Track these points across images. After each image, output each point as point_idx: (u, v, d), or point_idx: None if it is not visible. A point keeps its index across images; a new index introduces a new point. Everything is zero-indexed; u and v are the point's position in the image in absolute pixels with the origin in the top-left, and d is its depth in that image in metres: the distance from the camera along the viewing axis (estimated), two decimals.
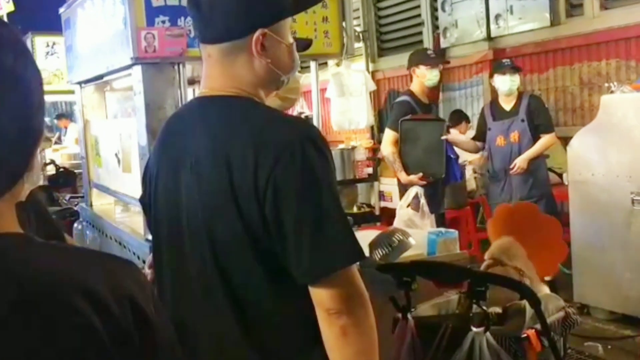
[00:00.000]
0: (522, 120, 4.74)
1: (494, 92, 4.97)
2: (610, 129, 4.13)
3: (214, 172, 1.35)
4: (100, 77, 3.95)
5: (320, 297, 1.26)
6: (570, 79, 6.31)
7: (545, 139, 4.75)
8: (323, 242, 1.25)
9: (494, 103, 4.95)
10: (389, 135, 4.76)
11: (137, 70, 3.15)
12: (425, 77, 4.71)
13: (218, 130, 1.38)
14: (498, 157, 4.87)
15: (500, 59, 7.01)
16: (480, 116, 5.04)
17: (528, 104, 4.77)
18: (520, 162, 4.69)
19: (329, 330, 1.27)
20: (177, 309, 1.48)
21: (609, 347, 3.88)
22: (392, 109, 5.25)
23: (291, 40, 1.46)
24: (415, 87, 4.82)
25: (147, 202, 1.59)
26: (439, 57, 5.37)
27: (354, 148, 5.90)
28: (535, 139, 4.75)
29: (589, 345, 3.84)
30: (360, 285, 1.29)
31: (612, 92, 4.20)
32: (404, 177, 4.63)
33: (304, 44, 2.37)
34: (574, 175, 4.40)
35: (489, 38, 7.08)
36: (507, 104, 4.84)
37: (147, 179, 1.58)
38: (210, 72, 1.46)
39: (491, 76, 4.92)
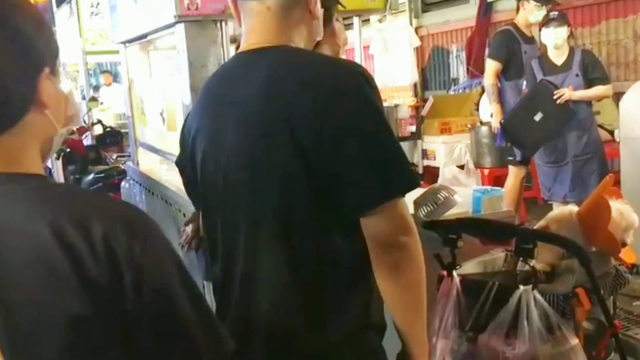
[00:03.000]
0: (577, 75, 4.54)
1: (543, 47, 4.77)
2: None
3: (269, 114, 1.34)
4: (144, 36, 3.97)
5: (374, 228, 1.29)
6: (624, 31, 6.06)
7: (603, 88, 4.56)
8: (380, 172, 1.28)
9: (543, 58, 4.72)
10: (490, 65, 4.99)
11: (180, 28, 3.15)
12: (532, 13, 4.84)
13: (271, 76, 1.37)
14: None
15: (551, 11, 6.80)
16: (529, 73, 4.77)
17: (582, 58, 4.57)
18: (567, 94, 4.44)
19: (382, 262, 1.31)
20: (227, 261, 1.48)
21: None
22: (494, 38, 5.29)
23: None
24: (520, 19, 4.96)
25: (186, 164, 1.59)
26: None
27: (397, 106, 5.84)
28: None
29: (637, 305, 3.78)
30: (410, 217, 1.32)
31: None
32: (496, 111, 4.86)
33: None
34: (626, 132, 4.25)
35: None
36: (557, 59, 4.63)
37: (186, 141, 1.57)
38: (259, 27, 1.43)
39: (540, 29, 4.72)
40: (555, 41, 4.55)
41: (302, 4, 1.43)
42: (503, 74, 5.08)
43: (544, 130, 4.59)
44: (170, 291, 0.87)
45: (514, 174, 5.10)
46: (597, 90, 4.55)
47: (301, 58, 1.41)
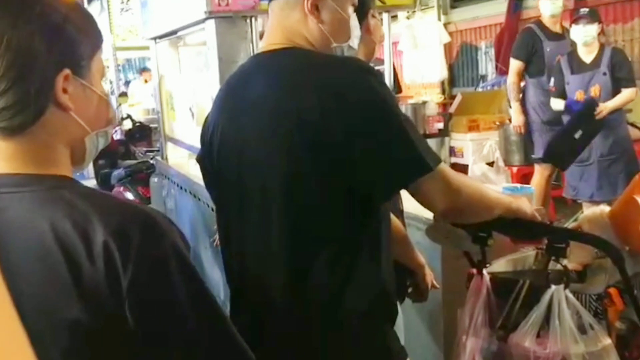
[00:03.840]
0: (604, 74, 4.48)
1: (573, 43, 4.71)
2: None
3: (280, 115, 1.39)
4: (174, 32, 4.01)
5: (424, 199, 1.42)
6: None
7: (627, 93, 4.50)
8: (407, 152, 1.34)
9: (572, 55, 4.66)
10: (512, 64, 5.04)
11: (211, 24, 3.18)
12: (543, 6, 4.94)
13: (277, 79, 1.43)
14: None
15: (580, 8, 6.69)
16: (558, 71, 4.73)
17: (611, 56, 4.49)
18: (604, 107, 4.40)
19: (448, 218, 1.57)
20: (241, 261, 1.54)
21: None
22: (517, 37, 5.31)
23: (350, 14, 1.50)
24: (543, 16, 5.02)
25: (205, 159, 1.63)
26: None
27: (424, 103, 5.81)
28: (615, 93, 4.50)
29: None
30: (450, 176, 1.42)
31: None
32: (514, 110, 4.88)
33: None
34: None
35: None
36: (587, 56, 4.56)
37: (206, 138, 1.61)
38: (268, 28, 1.52)
39: (570, 26, 4.67)
40: (584, 39, 4.48)
41: (299, 5, 1.46)
42: (526, 72, 5.08)
43: (580, 145, 4.50)
44: (170, 299, 0.86)
45: (539, 172, 5.06)
46: (624, 96, 4.50)
47: (305, 59, 1.45)
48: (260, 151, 1.43)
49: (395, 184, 1.39)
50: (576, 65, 4.60)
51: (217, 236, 2.52)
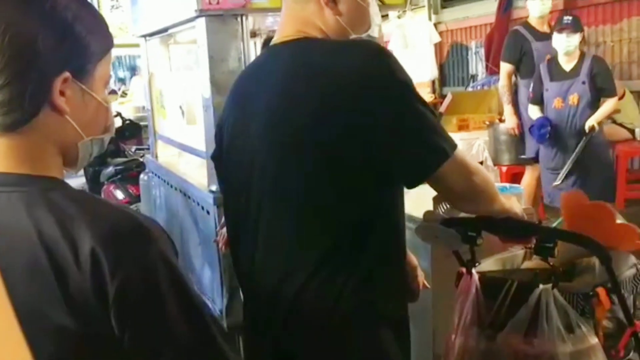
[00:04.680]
0: (583, 83, 4.46)
1: (554, 50, 4.68)
2: None
3: (291, 106, 1.37)
4: (165, 30, 3.99)
5: (446, 191, 1.47)
6: None
7: (610, 103, 4.51)
8: (425, 141, 1.35)
9: (553, 62, 4.64)
10: (502, 68, 5.09)
11: (201, 22, 3.17)
12: (531, 7, 4.96)
13: (290, 68, 1.41)
14: (554, 120, 4.57)
15: (571, 8, 6.73)
16: (537, 77, 4.72)
17: (591, 65, 4.47)
18: (591, 124, 4.40)
19: (461, 203, 1.56)
20: (243, 258, 1.53)
21: None
22: (506, 39, 5.33)
23: (371, 1, 1.47)
24: (530, 17, 5.07)
25: (219, 157, 1.62)
26: None
27: None
28: (594, 102, 4.48)
29: None
30: (466, 159, 1.44)
31: None
32: (508, 112, 4.97)
33: None
34: None
35: None
36: (567, 64, 4.55)
37: (219, 136, 1.61)
38: (282, 21, 1.49)
39: (551, 32, 4.62)
40: (566, 48, 4.47)
41: None
42: (517, 73, 5.12)
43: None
44: (159, 308, 0.84)
45: (529, 173, 5.08)
46: (608, 107, 4.51)
47: (317, 47, 1.42)
48: (274, 146, 1.40)
49: (421, 172, 1.38)
50: (556, 72, 4.59)
51: (220, 235, 2.51)
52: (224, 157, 1.58)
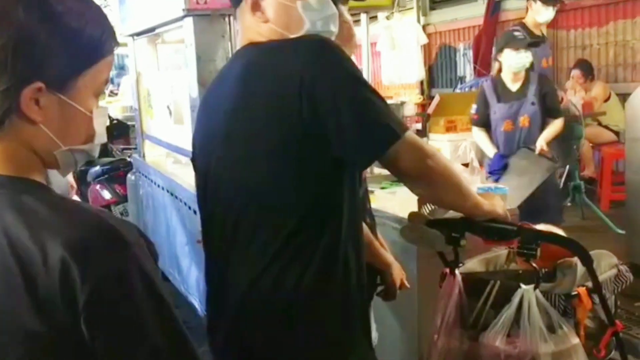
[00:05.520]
0: (533, 104, 4.15)
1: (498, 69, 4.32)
2: None
3: (245, 107, 1.44)
4: (152, 29, 3.98)
5: (395, 167, 1.45)
6: (632, 32, 6.05)
7: (558, 123, 4.23)
8: (376, 123, 1.38)
9: (497, 81, 4.25)
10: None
11: (189, 22, 3.17)
12: (540, 13, 4.76)
13: (242, 72, 1.48)
14: (504, 143, 4.21)
15: (559, 11, 6.75)
16: (481, 96, 4.34)
17: (539, 85, 4.16)
18: (543, 144, 4.09)
19: (417, 187, 1.54)
20: (214, 260, 1.58)
21: None
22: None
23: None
24: (528, 19, 4.87)
25: (194, 160, 1.69)
26: None
27: (403, 103, 5.84)
28: (543, 123, 4.20)
29: (639, 306, 3.78)
30: (419, 142, 1.46)
31: None
32: None
33: None
34: (632, 133, 4.26)
35: None
36: (513, 84, 4.19)
37: (194, 138, 1.69)
38: (240, 27, 1.59)
39: (500, 50, 4.16)
40: (516, 67, 4.12)
41: (247, 10, 1.50)
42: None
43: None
44: (130, 315, 0.83)
45: None
46: (557, 127, 4.23)
47: (263, 49, 1.48)
48: (230, 147, 1.48)
49: (371, 152, 1.41)
50: (502, 93, 4.23)
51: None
52: (196, 158, 1.65)
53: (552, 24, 6.83)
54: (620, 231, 4.90)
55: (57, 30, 0.87)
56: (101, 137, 0.97)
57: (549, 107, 4.21)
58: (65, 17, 0.87)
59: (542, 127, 4.21)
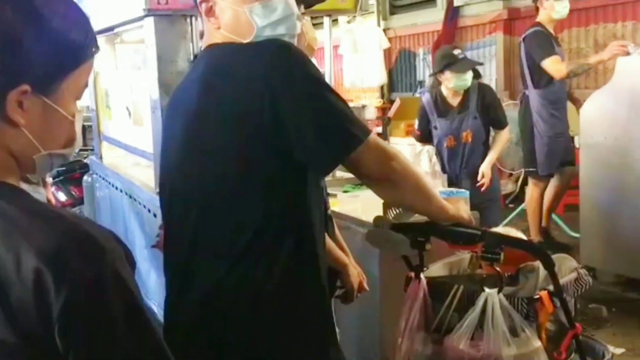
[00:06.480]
0: (475, 118, 4.00)
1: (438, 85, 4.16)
2: (625, 91, 4.08)
3: (204, 109, 1.44)
4: (111, 28, 3.91)
5: (358, 170, 1.46)
6: (585, 40, 6.22)
7: (503, 137, 4.11)
8: (338, 127, 1.38)
9: (438, 96, 4.10)
10: (551, 63, 4.52)
11: (150, 22, 3.12)
12: (554, 8, 4.60)
13: (201, 75, 1.48)
14: (448, 159, 4.05)
15: (514, 18, 6.90)
16: (421, 111, 4.20)
17: (480, 97, 4.00)
18: (487, 172, 3.96)
19: (382, 189, 1.54)
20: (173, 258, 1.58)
21: (613, 309, 3.92)
22: (529, 42, 4.68)
23: (250, 4, 1.47)
24: (542, 18, 4.69)
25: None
26: None
27: (364, 107, 5.87)
28: (487, 136, 4.11)
29: (593, 308, 3.88)
30: (382, 144, 1.48)
31: (628, 54, 4.12)
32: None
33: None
34: (586, 139, 4.37)
35: None
36: (454, 98, 4.03)
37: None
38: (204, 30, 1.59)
39: (441, 71, 3.93)
40: (458, 88, 3.96)
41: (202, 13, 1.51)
42: (532, 82, 4.68)
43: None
44: (107, 325, 0.81)
45: (537, 186, 4.93)
46: (502, 143, 4.12)
47: (225, 52, 1.48)
48: (191, 151, 1.48)
49: (333, 158, 1.41)
50: (443, 108, 4.07)
51: (157, 239, 2.48)
52: (160, 161, 1.66)
53: (508, 31, 6.98)
54: (575, 234, 5.02)
55: (43, 33, 0.85)
56: (80, 141, 0.96)
57: (492, 119, 4.06)
58: (52, 20, 0.87)
59: (487, 140, 4.11)
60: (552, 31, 4.69)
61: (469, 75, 3.92)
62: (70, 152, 0.95)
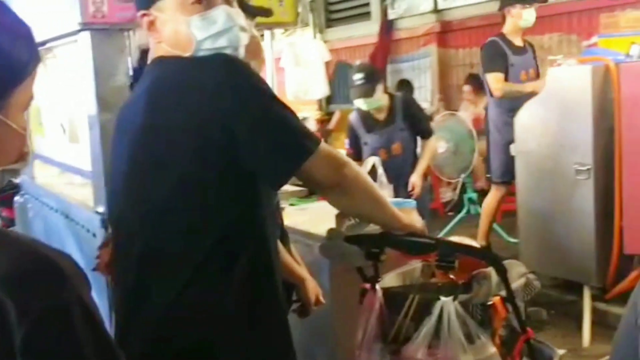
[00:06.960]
0: (402, 130, 4.12)
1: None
2: (556, 101, 4.23)
3: (151, 124, 1.42)
4: (43, 43, 3.77)
5: (310, 180, 1.46)
6: None
7: (430, 146, 4.27)
8: (289, 140, 1.39)
9: (362, 112, 4.23)
10: (493, 78, 4.57)
11: (85, 36, 3.02)
12: (521, 17, 4.62)
13: (148, 89, 1.46)
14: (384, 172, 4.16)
15: (447, 31, 7.09)
16: (350, 131, 4.31)
17: (403, 108, 4.12)
18: (417, 182, 4.07)
19: (334, 197, 1.54)
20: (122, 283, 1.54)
21: (552, 312, 4.03)
22: (483, 52, 4.80)
23: (189, 17, 1.46)
24: (507, 28, 4.71)
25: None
26: None
27: (304, 119, 5.89)
28: (415, 146, 4.26)
29: (533, 310, 3.97)
30: (335, 153, 1.49)
31: (558, 64, 4.28)
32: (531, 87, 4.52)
33: (263, 12, 2.34)
34: (521, 146, 4.50)
35: (436, 10, 7.12)
36: (379, 113, 4.16)
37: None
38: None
39: (352, 100, 4.14)
40: (372, 109, 4.11)
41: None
42: (488, 90, 4.76)
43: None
44: (73, 352, 0.78)
45: (496, 192, 5.00)
46: (430, 151, 4.26)
47: (171, 66, 1.46)
48: (137, 167, 1.45)
49: (284, 171, 1.40)
50: (371, 123, 4.19)
51: (97, 260, 2.39)
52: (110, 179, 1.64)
53: (442, 43, 7.15)
54: (513, 240, 5.16)
55: None
56: (31, 155, 0.93)
57: (418, 129, 4.18)
58: (9, 19, 0.87)
59: (416, 150, 4.23)
60: (515, 40, 4.74)
61: (378, 99, 4.02)
62: (22, 166, 0.92)
